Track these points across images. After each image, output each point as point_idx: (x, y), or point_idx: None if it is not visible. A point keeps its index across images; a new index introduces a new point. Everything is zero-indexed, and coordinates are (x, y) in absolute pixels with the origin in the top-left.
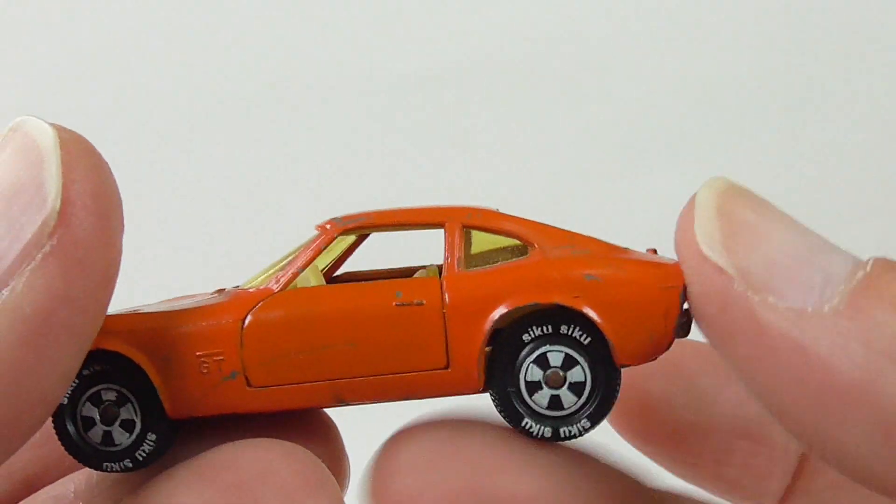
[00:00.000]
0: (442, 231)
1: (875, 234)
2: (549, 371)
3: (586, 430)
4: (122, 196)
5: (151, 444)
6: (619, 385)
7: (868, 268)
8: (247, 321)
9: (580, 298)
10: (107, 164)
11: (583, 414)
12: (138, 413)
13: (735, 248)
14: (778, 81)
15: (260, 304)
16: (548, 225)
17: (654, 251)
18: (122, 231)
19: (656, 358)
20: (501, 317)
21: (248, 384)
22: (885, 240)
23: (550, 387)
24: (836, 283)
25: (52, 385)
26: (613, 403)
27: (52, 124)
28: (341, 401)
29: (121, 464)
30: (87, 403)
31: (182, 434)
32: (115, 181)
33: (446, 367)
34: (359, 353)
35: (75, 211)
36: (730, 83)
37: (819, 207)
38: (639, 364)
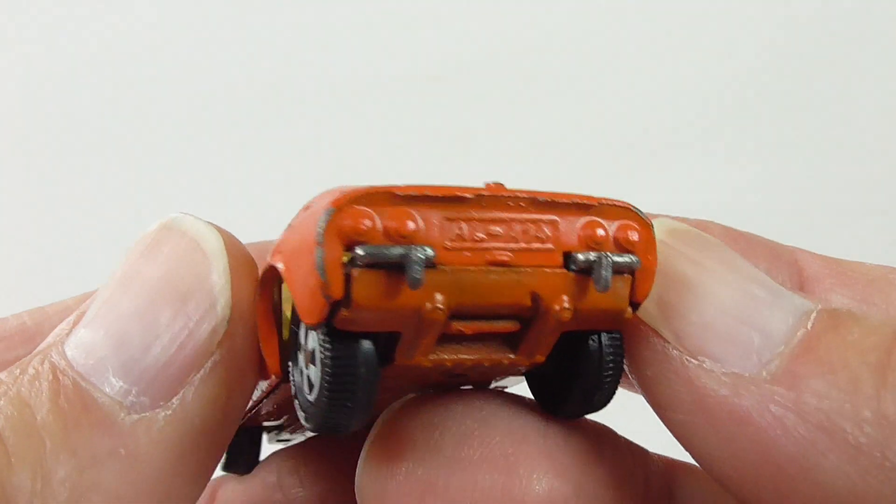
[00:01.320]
0: None
1: (875, 235)
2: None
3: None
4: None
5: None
6: (350, 356)
7: (809, 325)
8: None
9: (276, 253)
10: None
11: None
12: None
13: (670, 310)
14: (785, 79)
15: None
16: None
17: (500, 185)
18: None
19: (349, 314)
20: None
21: None
22: (885, 240)
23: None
24: (776, 344)
25: (201, 491)
26: (351, 379)
27: (213, 225)
28: None
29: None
30: None
31: None
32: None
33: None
34: None
35: (239, 320)
36: (733, 82)
37: (820, 206)
38: (320, 322)
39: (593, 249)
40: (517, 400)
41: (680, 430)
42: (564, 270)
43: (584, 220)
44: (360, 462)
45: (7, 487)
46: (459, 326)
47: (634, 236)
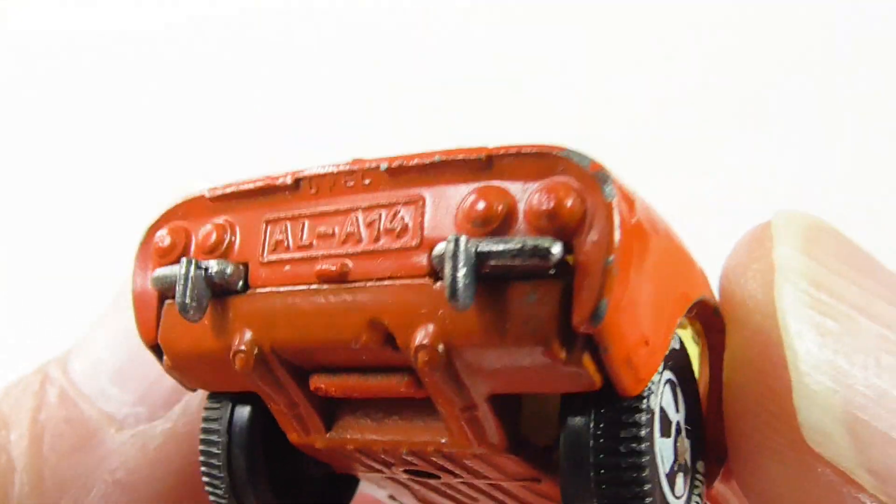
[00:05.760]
0: None
1: (875, 234)
2: None
3: None
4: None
5: None
6: (216, 421)
7: None
8: None
9: None
10: None
11: None
12: None
13: (873, 436)
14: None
15: None
16: None
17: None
18: None
19: (171, 366)
20: None
21: None
22: (884, 240)
23: None
24: None
25: None
26: (217, 452)
27: None
28: None
29: None
30: None
31: None
32: None
33: None
34: None
35: None
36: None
37: (823, 206)
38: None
39: (474, 234)
40: None
41: None
42: (428, 281)
43: (471, 188)
44: None
45: None
46: (319, 383)
47: (570, 202)
